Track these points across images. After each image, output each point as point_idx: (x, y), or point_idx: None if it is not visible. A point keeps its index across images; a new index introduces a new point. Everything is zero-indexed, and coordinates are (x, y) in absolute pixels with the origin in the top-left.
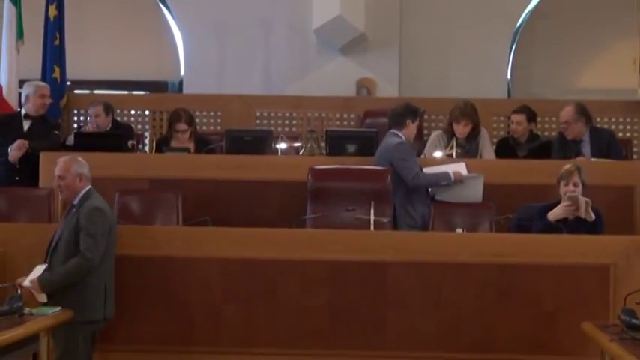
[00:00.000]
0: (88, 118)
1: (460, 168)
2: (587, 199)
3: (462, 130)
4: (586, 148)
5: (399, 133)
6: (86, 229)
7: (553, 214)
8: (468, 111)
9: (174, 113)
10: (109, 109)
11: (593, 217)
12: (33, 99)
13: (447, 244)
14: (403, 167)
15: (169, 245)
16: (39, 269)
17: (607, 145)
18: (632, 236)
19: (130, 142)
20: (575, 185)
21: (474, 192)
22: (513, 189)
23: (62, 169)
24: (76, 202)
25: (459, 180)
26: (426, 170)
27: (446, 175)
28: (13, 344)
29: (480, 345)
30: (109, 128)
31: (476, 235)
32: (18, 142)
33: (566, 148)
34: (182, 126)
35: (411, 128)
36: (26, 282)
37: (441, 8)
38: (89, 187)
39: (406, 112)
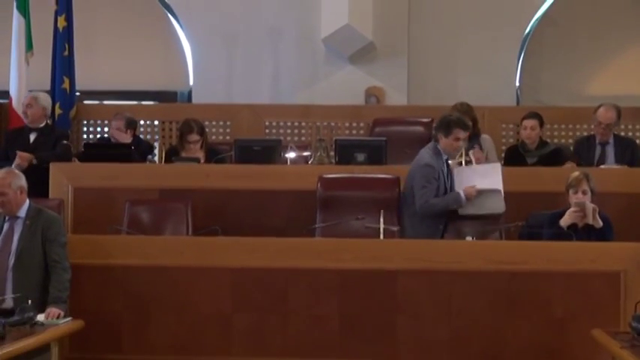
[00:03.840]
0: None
1: (495, 170)
2: (594, 206)
3: None
4: (610, 153)
5: (438, 146)
6: (57, 241)
7: (563, 221)
8: (463, 108)
9: (186, 124)
10: (130, 124)
11: (601, 223)
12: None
13: (457, 252)
14: (420, 188)
15: (179, 255)
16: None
17: (631, 153)
18: None
19: (148, 157)
20: (584, 193)
21: (496, 203)
22: (523, 197)
23: (1, 184)
24: (21, 214)
25: (471, 197)
26: (460, 173)
27: (456, 197)
28: (24, 354)
29: (491, 353)
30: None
31: (486, 243)
32: (19, 155)
33: (591, 150)
34: (194, 137)
35: (444, 142)
36: (43, 318)
37: (449, 16)
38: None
39: (439, 126)
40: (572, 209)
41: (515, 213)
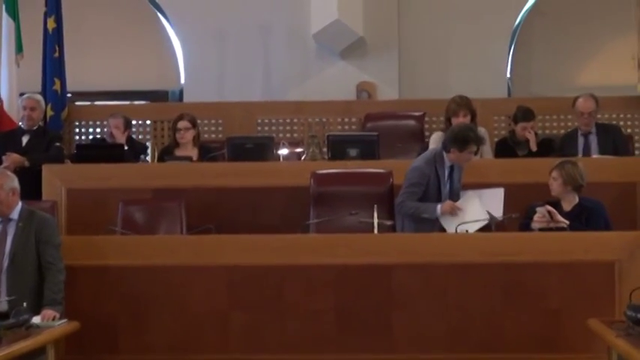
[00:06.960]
0: (105, 129)
1: (497, 195)
2: (549, 208)
3: (462, 121)
4: (593, 142)
5: (445, 156)
6: (51, 242)
7: (533, 225)
8: (464, 101)
9: (178, 116)
10: (128, 124)
11: (566, 222)
12: (21, 112)
13: (452, 245)
14: (404, 187)
15: (174, 254)
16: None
17: (613, 140)
18: (636, 232)
19: (141, 157)
20: (554, 179)
21: (495, 206)
22: (515, 188)
23: None
24: (14, 216)
25: (447, 214)
26: (465, 194)
27: (431, 209)
28: (20, 357)
29: (488, 345)
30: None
31: (480, 236)
32: (9, 158)
33: (574, 142)
34: (184, 123)
35: (457, 155)
36: (38, 320)
37: (439, 9)
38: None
39: (453, 140)
40: (536, 215)
41: (507, 205)
